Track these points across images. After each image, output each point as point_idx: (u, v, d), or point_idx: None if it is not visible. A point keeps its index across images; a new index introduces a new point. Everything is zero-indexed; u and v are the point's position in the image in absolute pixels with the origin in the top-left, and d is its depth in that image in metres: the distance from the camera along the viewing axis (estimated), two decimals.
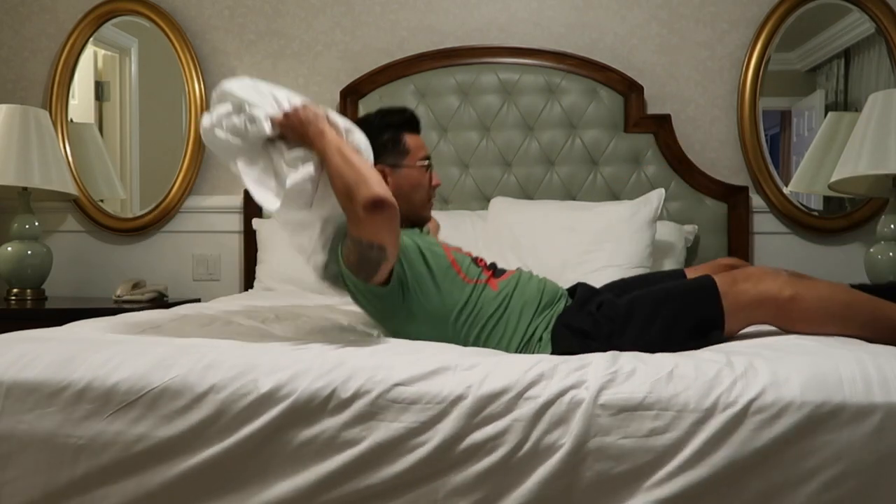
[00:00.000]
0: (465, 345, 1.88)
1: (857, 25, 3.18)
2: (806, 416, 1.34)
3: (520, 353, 1.88)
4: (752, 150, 3.19)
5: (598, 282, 2.21)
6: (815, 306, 1.78)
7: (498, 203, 3.01)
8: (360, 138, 1.83)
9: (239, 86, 1.81)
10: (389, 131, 2.05)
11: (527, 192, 3.17)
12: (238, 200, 3.38)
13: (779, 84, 3.23)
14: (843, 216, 3.19)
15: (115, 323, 2.08)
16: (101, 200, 3.52)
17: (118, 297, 3.09)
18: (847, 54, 3.22)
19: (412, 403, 1.42)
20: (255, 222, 3.24)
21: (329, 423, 1.42)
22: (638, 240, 2.76)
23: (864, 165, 2.74)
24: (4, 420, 1.49)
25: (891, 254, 2.81)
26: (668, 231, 2.93)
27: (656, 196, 2.85)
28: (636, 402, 1.38)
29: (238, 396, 1.45)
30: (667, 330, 1.79)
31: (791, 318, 1.80)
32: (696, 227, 3.07)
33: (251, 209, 3.33)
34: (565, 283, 2.13)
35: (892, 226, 2.83)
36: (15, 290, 3.15)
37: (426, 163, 2.08)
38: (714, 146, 3.24)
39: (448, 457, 1.38)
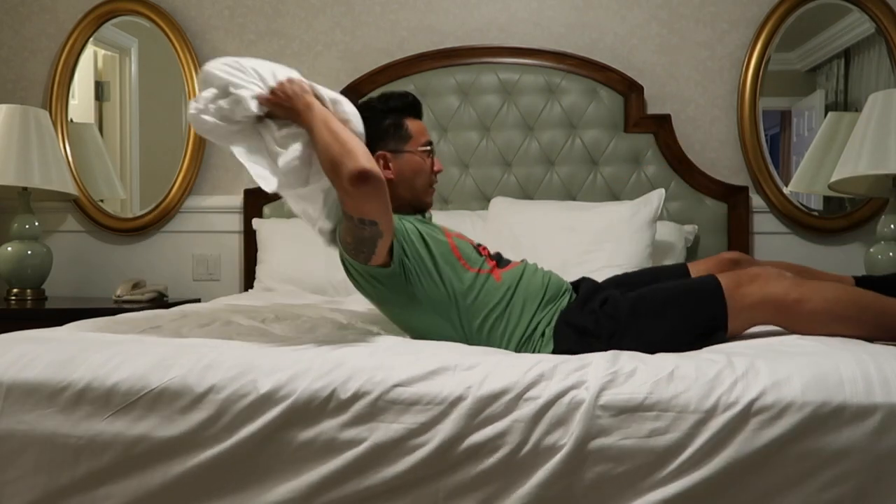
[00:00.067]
0: (467, 335, 1.88)
1: (857, 25, 3.18)
2: (807, 416, 1.34)
3: (521, 347, 1.89)
4: (752, 150, 3.19)
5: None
6: (821, 308, 1.78)
7: (498, 203, 3.01)
8: (348, 108, 1.82)
9: (221, 67, 1.80)
10: (391, 116, 2.05)
11: (527, 192, 3.17)
12: (238, 200, 3.38)
13: (779, 84, 3.23)
14: (843, 216, 3.19)
15: (115, 323, 2.08)
16: (101, 200, 3.52)
17: (118, 297, 3.09)
18: (847, 54, 3.22)
19: (412, 404, 1.42)
20: (255, 222, 3.23)
21: (329, 424, 1.42)
22: (638, 240, 2.76)
23: (864, 165, 2.74)
24: (4, 420, 1.49)
25: (891, 254, 2.81)
26: (668, 231, 2.93)
27: (656, 196, 2.85)
28: (637, 402, 1.38)
29: (238, 397, 1.45)
30: (670, 331, 1.79)
31: (796, 319, 1.79)
32: (696, 227, 3.07)
33: (251, 209, 3.33)
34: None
35: (892, 226, 2.83)
36: (15, 290, 3.15)
37: (428, 148, 2.07)
38: (714, 146, 3.24)
39: (448, 458, 1.38)
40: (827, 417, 1.35)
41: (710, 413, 1.36)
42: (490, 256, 2.04)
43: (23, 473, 1.47)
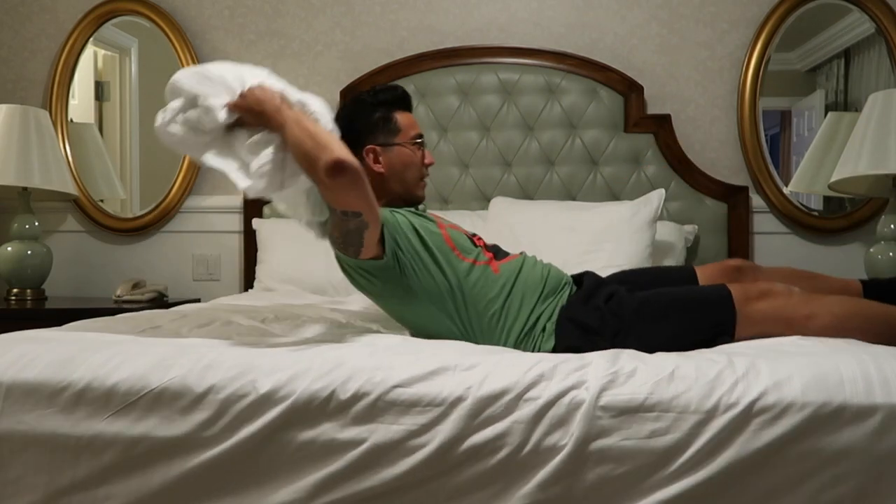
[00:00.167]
0: (465, 328, 1.88)
1: (857, 25, 3.18)
2: (807, 416, 1.35)
3: (521, 341, 1.88)
4: (752, 150, 3.19)
5: None
6: (830, 323, 1.78)
7: (498, 203, 3.01)
8: (316, 107, 1.79)
9: (188, 77, 1.77)
10: (381, 109, 2.04)
11: (527, 192, 3.17)
12: (238, 200, 3.38)
13: (779, 84, 3.23)
14: (843, 216, 3.19)
15: (115, 322, 2.08)
16: (101, 200, 3.52)
17: (118, 297, 3.09)
18: (847, 54, 3.22)
19: (412, 405, 1.41)
20: (255, 222, 3.23)
21: (328, 425, 1.42)
22: (638, 240, 2.76)
23: (864, 165, 2.74)
24: (4, 420, 1.49)
25: (891, 254, 2.81)
26: (668, 231, 2.93)
27: (656, 196, 2.85)
28: (637, 403, 1.38)
29: (237, 397, 1.45)
30: (676, 336, 1.78)
31: (805, 335, 1.79)
32: (696, 227, 3.07)
33: (251, 209, 3.32)
34: None
35: (892, 226, 2.83)
36: (15, 290, 3.15)
37: (418, 141, 2.07)
38: (714, 146, 3.24)
39: (448, 459, 1.38)
40: (827, 418, 1.35)
41: (711, 413, 1.36)
42: (487, 248, 2.03)
43: (23, 473, 1.47)
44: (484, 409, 1.39)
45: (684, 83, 3.25)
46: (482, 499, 1.37)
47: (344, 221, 1.74)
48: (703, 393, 1.39)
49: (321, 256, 2.36)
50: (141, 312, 2.31)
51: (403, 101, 2.09)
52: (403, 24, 3.35)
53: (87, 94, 3.52)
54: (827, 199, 3.26)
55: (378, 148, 2.02)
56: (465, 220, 2.98)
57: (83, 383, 1.48)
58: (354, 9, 3.37)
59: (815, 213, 3.22)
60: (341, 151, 1.66)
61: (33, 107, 3.25)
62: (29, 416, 1.48)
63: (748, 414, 1.35)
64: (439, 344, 1.73)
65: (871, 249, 2.86)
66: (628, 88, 3.16)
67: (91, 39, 3.46)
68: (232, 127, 1.76)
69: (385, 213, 1.87)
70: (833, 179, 2.86)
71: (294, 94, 1.79)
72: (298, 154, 1.69)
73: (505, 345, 1.86)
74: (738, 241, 3.12)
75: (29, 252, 3.16)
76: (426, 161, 2.09)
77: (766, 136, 3.21)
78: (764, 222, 3.21)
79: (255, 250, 3.22)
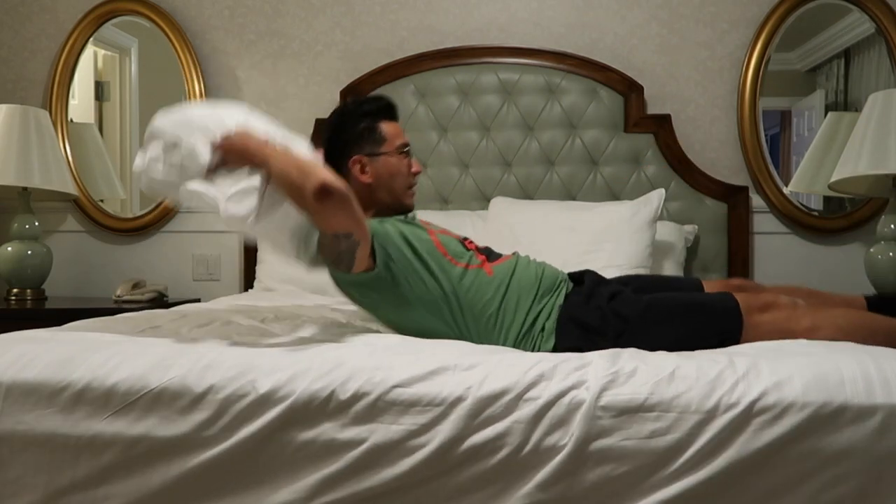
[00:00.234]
0: (462, 333, 1.88)
1: (857, 25, 3.18)
2: (808, 416, 1.34)
3: (520, 342, 1.88)
4: (752, 150, 3.19)
5: None
6: (833, 336, 1.77)
7: (498, 203, 3.01)
8: (300, 146, 1.80)
9: (169, 121, 1.77)
10: (365, 120, 2.05)
11: (527, 192, 3.17)
12: None
13: (779, 84, 3.23)
14: (843, 216, 3.19)
15: (115, 322, 2.08)
16: (101, 200, 3.52)
17: (118, 297, 3.09)
18: (847, 54, 3.22)
19: (411, 405, 1.41)
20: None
21: (328, 425, 1.42)
22: (638, 240, 2.75)
23: (864, 165, 2.74)
24: (4, 420, 1.48)
25: (891, 254, 2.81)
26: (668, 231, 2.93)
27: (656, 196, 2.85)
28: (637, 403, 1.38)
29: (237, 397, 1.44)
30: (680, 341, 1.76)
31: None
32: (696, 227, 3.07)
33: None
34: None
35: (892, 226, 2.83)
36: (15, 290, 3.15)
37: (405, 150, 2.07)
38: (714, 146, 3.24)
39: (448, 459, 1.38)
40: (828, 418, 1.35)
41: (712, 413, 1.36)
42: (479, 250, 2.03)
43: (23, 473, 1.47)
44: (484, 409, 1.39)
45: (684, 83, 3.25)
46: (482, 499, 1.37)
47: (336, 243, 1.75)
48: (704, 393, 1.38)
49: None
50: (141, 312, 2.31)
51: (388, 111, 2.10)
52: (403, 24, 3.35)
53: (87, 94, 3.52)
54: (827, 199, 3.26)
55: (364, 158, 2.03)
56: (465, 220, 2.99)
57: (83, 383, 1.48)
58: (354, 9, 3.37)
59: (815, 213, 3.22)
60: (326, 175, 1.66)
61: (33, 107, 3.25)
62: (28, 416, 1.48)
63: (749, 414, 1.35)
64: (439, 344, 1.72)
65: (871, 249, 2.86)
66: (628, 88, 3.16)
67: (91, 39, 3.46)
68: (214, 170, 1.74)
69: (374, 223, 1.87)
70: (833, 179, 2.86)
71: (276, 132, 1.80)
72: (285, 185, 1.68)
73: (504, 346, 1.86)
74: (738, 241, 3.12)
75: (29, 252, 3.16)
76: (413, 170, 2.10)
77: (766, 136, 3.21)
78: (764, 222, 3.21)
79: (256, 250, 3.22)
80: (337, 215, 1.69)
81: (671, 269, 2.87)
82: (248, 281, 3.31)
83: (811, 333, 1.78)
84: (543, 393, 1.40)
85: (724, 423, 1.35)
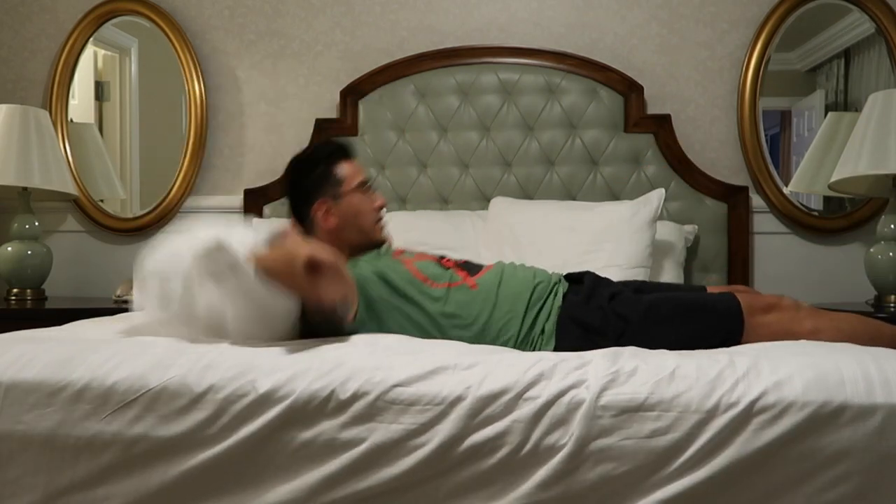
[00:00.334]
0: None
1: (857, 25, 3.18)
2: (808, 416, 1.35)
3: (519, 347, 1.88)
4: (752, 150, 3.19)
5: None
6: (835, 339, 1.77)
7: (498, 203, 3.01)
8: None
9: (161, 261, 1.83)
10: (321, 165, 2.08)
11: (527, 192, 3.17)
12: (238, 201, 3.38)
13: (779, 84, 3.23)
14: (843, 216, 3.19)
15: (115, 322, 2.08)
16: (101, 200, 3.52)
17: (118, 297, 3.09)
18: (847, 54, 3.22)
19: (411, 404, 1.41)
20: (256, 223, 3.23)
21: (328, 425, 1.42)
22: (638, 240, 2.75)
23: (864, 165, 2.74)
24: (3, 420, 1.49)
25: (891, 254, 2.80)
26: (668, 231, 2.93)
27: (656, 196, 2.84)
28: (638, 402, 1.38)
29: (237, 397, 1.45)
30: (681, 342, 1.76)
31: None
32: (696, 227, 3.07)
33: (251, 209, 3.32)
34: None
35: (892, 226, 2.83)
36: (15, 290, 3.15)
37: (365, 186, 2.10)
38: (714, 146, 3.24)
39: (448, 458, 1.38)
40: (828, 418, 1.35)
41: (712, 413, 1.36)
42: (458, 266, 2.02)
43: (22, 473, 1.47)
44: (483, 409, 1.39)
45: (684, 83, 3.25)
46: (482, 498, 1.37)
47: (331, 313, 1.70)
48: (704, 392, 1.39)
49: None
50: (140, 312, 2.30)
51: (342, 151, 2.13)
52: (403, 24, 3.35)
53: (87, 94, 3.52)
54: (827, 199, 3.26)
55: (327, 202, 2.05)
56: (465, 220, 2.99)
57: (82, 383, 1.49)
58: (354, 9, 3.37)
59: (815, 213, 3.22)
60: (308, 250, 1.64)
61: (33, 107, 3.24)
62: (28, 416, 1.48)
63: (749, 413, 1.35)
64: (439, 343, 1.72)
65: (871, 249, 2.86)
66: (628, 88, 3.16)
67: (91, 39, 3.46)
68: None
69: (349, 269, 1.87)
70: (833, 179, 2.86)
71: (249, 237, 1.82)
72: (276, 279, 1.64)
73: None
74: (738, 241, 3.12)
75: (29, 252, 3.15)
76: (376, 204, 2.12)
77: (766, 136, 3.21)
78: (764, 222, 3.21)
79: None
80: (332, 285, 1.66)
81: (671, 268, 2.87)
82: None
83: (813, 336, 1.78)
84: (543, 392, 1.40)
85: (724, 422, 1.35)
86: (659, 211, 2.81)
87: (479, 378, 1.43)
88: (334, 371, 1.47)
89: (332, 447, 1.41)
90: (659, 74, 3.24)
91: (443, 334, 1.88)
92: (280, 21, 3.40)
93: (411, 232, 2.93)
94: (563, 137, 3.17)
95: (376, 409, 1.42)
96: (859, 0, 3.13)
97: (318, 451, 1.41)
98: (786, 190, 3.20)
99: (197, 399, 1.45)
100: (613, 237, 2.75)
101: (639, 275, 2.65)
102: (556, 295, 1.97)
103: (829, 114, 3.20)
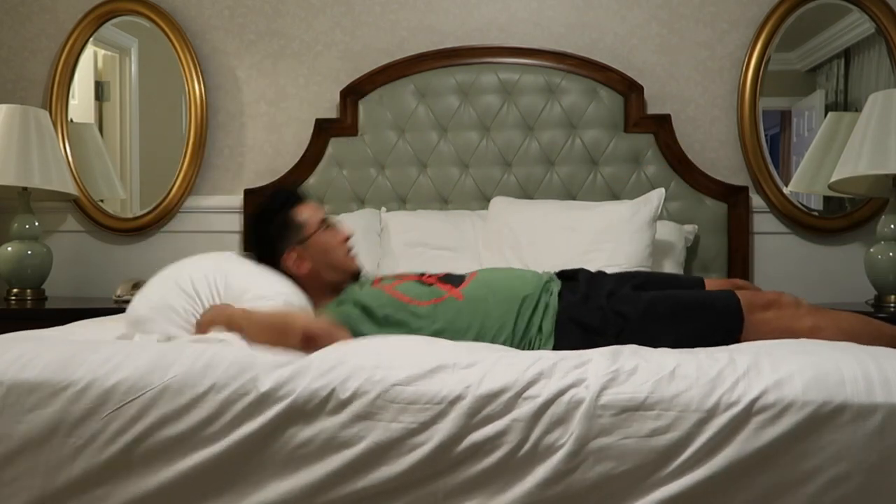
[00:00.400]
0: None
1: (857, 25, 3.18)
2: (808, 415, 1.35)
3: (519, 348, 1.87)
4: (752, 150, 3.19)
5: None
6: (835, 338, 1.77)
7: (498, 203, 3.01)
8: (268, 291, 1.90)
9: (149, 307, 1.94)
10: (279, 215, 2.10)
11: (527, 192, 3.17)
12: (238, 200, 3.38)
13: (779, 84, 3.23)
14: (843, 216, 3.19)
15: (115, 322, 2.08)
16: (101, 200, 3.52)
17: (118, 297, 3.08)
18: (847, 54, 3.22)
19: (411, 403, 1.41)
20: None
21: (328, 423, 1.42)
22: (638, 240, 2.75)
23: (864, 165, 2.74)
24: (4, 420, 1.48)
25: (891, 254, 2.80)
26: (668, 231, 2.93)
27: (656, 196, 2.84)
28: (638, 402, 1.38)
29: (238, 396, 1.45)
30: (681, 340, 1.76)
31: None
32: (696, 227, 3.07)
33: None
34: None
35: (892, 226, 2.83)
36: (15, 290, 3.15)
37: (326, 224, 2.11)
38: (714, 146, 3.24)
39: (447, 457, 1.38)
40: (828, 417, 1.35)
41: (712, 412, 1.36)
42: (440, 280, 2.02)
43: (21, 474, 1.47)
44: (483, 408, 1.39)
45: (684, 83, 3.25)
46: (481, 497, 1.37)
47: None
48: (704, 391, 1.39)
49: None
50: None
51: (295, 197, 2.16)
52: (403, 24, 3.35)
53: (87, 94, 3.51)
54: (827, 199, 3.26)
55: (295, 249, 2.07)
56: (465, 220, 2.99)
57: (83, 383, 1.49)
58: (354, 9, 3.37)
59: (815, 213, 3.22)
60: (304, 322, 1.68)
61: (33, 107, 3.24)
62: (29, 416, 1.48)
63: (749, 412, 1.36)
64: (438, 341, 1.72)
65: (871, 249, 2.86)
66: (628, 88, 3.16)
67: (91, 39, 3.46)
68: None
69: (335, 314, 1.88)
70: (833, 179, 2.86)
71: (253, 272, 1.93)
72: (268, 346, 1.68)
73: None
74: (738, 241, 3.11)
75: (29, 252, 3.15)
76: (342, 237, 2.14)
77: (766, 136, 3.21)
78: (764, 222, 3.21)
79: None
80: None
81: (671, 268, 2.86)
82: None
83: (813, 334, 1.78)
84: (543, 391, 1.40)
85: (724, 421, 1.35)
86: (659, 211, 2.81)
87: (478, 377, 1.43)
88: (335, 370, 1.47)
89: (332, 446, 1.41)
90: (659, 74, 3.25)
91: None
92: (280, 21, 3.40)
93: (411, 232, 2.93)
94: (563, 137, 3.17)
95: (376, 408, 1.42)
96: (859, 0, 3.13)
97: (318, 449, 1.41)
98: (786, 190, 3.20)
99: (198, 398, 1.45)
100: (613, 237, 2.75)
101: None
102: (549, 293, 1.96)
103: (829, 114, 3.20)
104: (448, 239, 2.90)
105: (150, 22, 3.42)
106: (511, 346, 1.87)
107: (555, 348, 1.83)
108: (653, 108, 3.20)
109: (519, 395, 1.40)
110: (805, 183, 3.21)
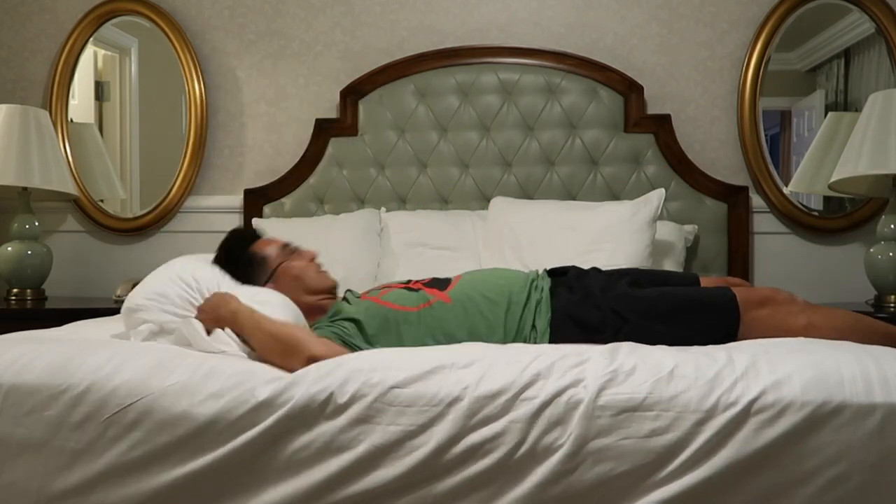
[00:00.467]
0: None
1: (857, 25, 3.18)
2: (807, 415, 1.35)
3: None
4: (752, 150, 3.19)
5: None
6: (829, 336, 1.77)
7: (498, 203, 3.01)
8: (268, 297, 1.91)
9: (146, 297, 1.96)
10: (242, 256, 2.11)
11: (527, 192, 3.17)
12: (238, 200, 3.38)
13: (779, 84, 3.23)
14: (843, 216, 3.19)
15: (115, 322, 2.08)
16: (101, 200, 3.52)
17: (118, 297, 3.08)
18: (847, 54, 3.22)
19: (408, 406, 1.41)
20: (255, 222, 3.23)
21: (326, 427, 1.42)
22: (638, 240, 2.75)
23: (864, 165, 2.74)
24: (2, 423, 1.48)
25: (891, 254, 2.80)
26: (668, 231, 2.93)
27: (656, 196, 2.84)
28: (636, 402, 1.38)
29: (237, 403, 1.44)
30: (678, 338, 1.77)
31: None
32: (696, 227, 3.07)
33: (251, 209, 3.32)
34: None
35: (892, 226, 2.83)
36: (15, 290, 3.15)
37: (288, 251, 2.12)
38: (714, 146, 3.24)
39: (445, 459, 1.38)
40: (827, 417, 1.35)
41: (711, 413, 1.36)
42: (427, 285, 2.02)
43: (17, 478, 1.46)
44: (481, 409, 1.39)
45: (684, 83, 3.25)
46: (480, 499, 1.37)
47: None
48: (703, 392, 1.39)
49: (320, 257, 2.37)
50: None
51: (250, 235, 2.19)
52: (403, 24, 3.35)
53: (87, 94, 3.52)
54: (827, 199, 3.25)
55: (267, 284, 2.07)
56: (465, 220, 2.99)
57: (82, 386, 1.48)
58: (354, 9, 3.36)
59: (815, 213, 3.22)
60: (314, 346, 1.66)
61: (33, 107, 3.24)
62: (27, 419, 1.48)
63: (747, 413, 1.36)
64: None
65: (871, 249, 2.86)
66: (628, 88, 3.16)
67: (91, 39, 3.46)
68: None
69: (327, 333, 1.87)
70: (833, 179, 2.86)
71: (249, 295, 1.89)
72: (266, 354, 1.69)
73: None
74: (738, 241, 3.11)
75: (29, 252, 3.15)
76: (308, 259, 2.14)
77: (766, 136, 3.21)
78: (764, 222, 3.21)
79: None
80: None
81: (671, 268, 2.86)
82: None
83: (807, 331, 1.78)
84: (540, 392, 1.40)
85: (723, 422, 1.35)
86: (659, 211, 2.81)
87: (476, 378, 1.43)
88: (333, 373, 1.47)
89: (331, 449, 1.41)
90: (659, 74, 3.24)
91: (436, 342, 1.85)
92: (280, 21, 3.40)
93: (411, 232, 2.93)
94: (563, 137, 3.17)
95: (374, 411, 1.42)
96: (859, 0, 3.13)
97: (317, 453, 1.41)
98: (786, 190, 3.19)
99: (197, 405, 1.45)
100: (613, 237, 2.75)
101: None
102: (539, 290, 1.95)
103: (829, 114, 3.20)
104: (448, 239, 2.90)
105: (150, 22, 3.42)
106: (503, 343, 1.86)
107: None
108: (653, 108, 3.20)
109: (517, 396, 1.40)
110: (805, 183, 3.21)
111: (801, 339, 1.71)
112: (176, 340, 1.81)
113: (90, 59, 3.50)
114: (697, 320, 1.83)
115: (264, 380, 1.48)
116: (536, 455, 1.37)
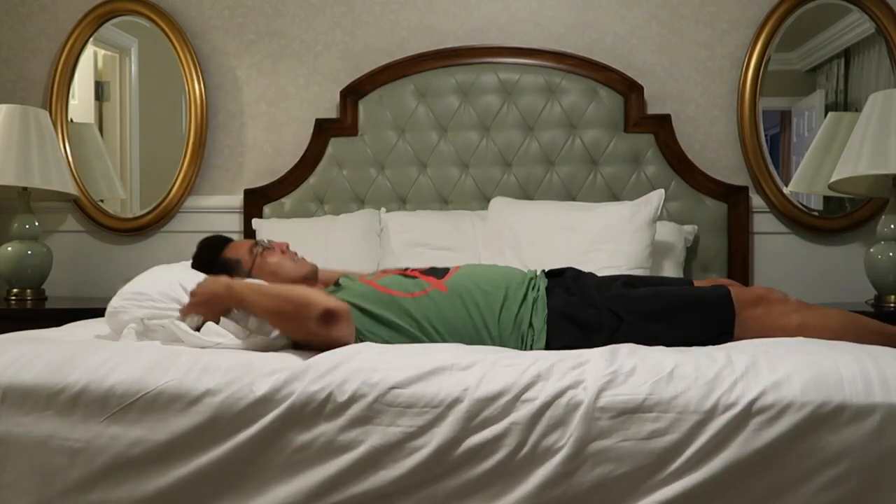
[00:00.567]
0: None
1: (857, 25, 3.18)
2: (806, 416, 1.35)
3: (511, 339, 1.85)
4: (752, 150, 3.19)
5: None
6: (823, 336, 1.77)
7: (498, 203, 3.01)
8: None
9: (125, 300, 1.94)
10: (216, 263, 2.12)
11: (527, 192, 3.17)
12: (238, 200, 3.38)
13: (779, 84, 3.23)
14: (843, 216, 3.19)
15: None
16: (101, 200, 3.52)
17: None
18: (847, 54, 3.22)
19: (409, 407, 1.41)
20: (255, 222, 3.23)
21: (326, 427, 1.42)
22: (638, 240, 2.75)
23: (864, 165, 2.74)
24: (2, 422, 1.48)
25: (891, 254, 2.80)
26: (668, 231, 2.93)
27: (656, 196, 2.84)
28: (636, 404, 1.38)
29: (235, 400, 1.44)
30: (676, 337, 1.77)
31: None
32: (696, 227, 3.07)
33: (251, 209, 3.32)
34: None
35: (892, 226, 2.83)
36: (15, 290, 3.15)
37: (258, 249, 2.13)
38: (714, 146, 3.24)
39: (445, 461, 1.38)
40: (827, 417, 1.35)
41: (710, 414, 1.36)
42: (424, 273, 2.02)
43: (19, 477, 1.46)
44: (481, 411, 1.39)
45: (684, 83, 3.25)
46: (480, 501, 1.37)
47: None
48: (703, 393, 1.39)
49: (320, 257, 2.37)
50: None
51: (219, 240, 2.21)
52: (403, 24, 3.35)
53: (87, 94, 3.51)
54: (827, 199, 3.25)
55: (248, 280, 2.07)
56: (465, 220, 2.99)
57: (80, 385, 1.48)
58: (354, 9, 3.36)
59: (815, 213, 3.22)
60: (323, 299, 1.67)
61: (33, 107, 3.24)
62: (26, 419, 1.48)
63: (747, 414, 1.36)
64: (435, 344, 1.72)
65: (871, 249, 2.86)
66: (628, 88, 3.16)
67: (91, 39, 3.46)
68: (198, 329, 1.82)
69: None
70: (833, 179, 2.86)
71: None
72: (277, 319, 1.70)
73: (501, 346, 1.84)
74: (738, 241, 3.11)
75: (29, 252, 3.16)
76: (280, 250, 2.15)
77: (766, 136, 3.20)
78: (764, 222, 3.21)
79: None
80: (345, 329, 1.70)
81: (671, 268, 2.87)
82: None
83: (801, 331, 1.78)
84: (541, 394, 1.40)
85: (722, 423, 1.35)
86: (659, 211, 2.81)
87: (476, 380, 1.43)
88: (332, 372, 1.47)
89: (331, 450, 1.41)
90: (659, 74, 3.24)
91: (428, 337, 1.86)
92: (280, 21, 3.39)
93: (411, 232, 2.93)
94: (563, 137, 3.17)
95: (374, 412, 1.41)
96: (859, 0, 3.13)
97: (316, 453, 1.41)
98: (786, 190, 3.19)
99: (194, 402, 1.45)
100: (613, 237, 2.75)
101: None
102: (536, 289, 1.95)
103: (829, 114, 3.19)
104: (448, 239, 2.90)
105: (150, 22, 3.42)
106: (499, 338, 1.85)
107: (548, 345, 1.81)
108: (653, 108, 3.20)
109: (517, 397, 1.40)
110: (805, 183, 3.21)
111: (800, 340, 1.71)
112: (164, 341, 1.80)
113: (90, 59, 3.50)
114: (693, 318, 1.83)
115: (262, 373, 1.47)
116: (537, 457, 1.37)
